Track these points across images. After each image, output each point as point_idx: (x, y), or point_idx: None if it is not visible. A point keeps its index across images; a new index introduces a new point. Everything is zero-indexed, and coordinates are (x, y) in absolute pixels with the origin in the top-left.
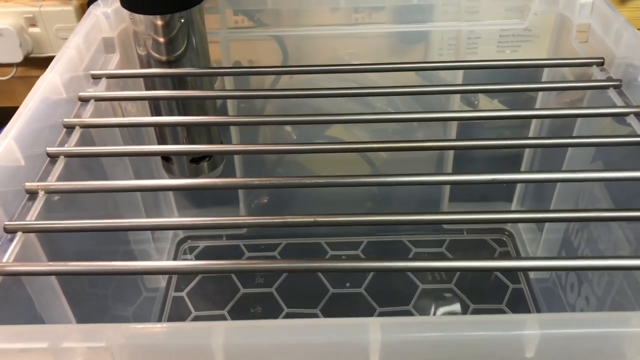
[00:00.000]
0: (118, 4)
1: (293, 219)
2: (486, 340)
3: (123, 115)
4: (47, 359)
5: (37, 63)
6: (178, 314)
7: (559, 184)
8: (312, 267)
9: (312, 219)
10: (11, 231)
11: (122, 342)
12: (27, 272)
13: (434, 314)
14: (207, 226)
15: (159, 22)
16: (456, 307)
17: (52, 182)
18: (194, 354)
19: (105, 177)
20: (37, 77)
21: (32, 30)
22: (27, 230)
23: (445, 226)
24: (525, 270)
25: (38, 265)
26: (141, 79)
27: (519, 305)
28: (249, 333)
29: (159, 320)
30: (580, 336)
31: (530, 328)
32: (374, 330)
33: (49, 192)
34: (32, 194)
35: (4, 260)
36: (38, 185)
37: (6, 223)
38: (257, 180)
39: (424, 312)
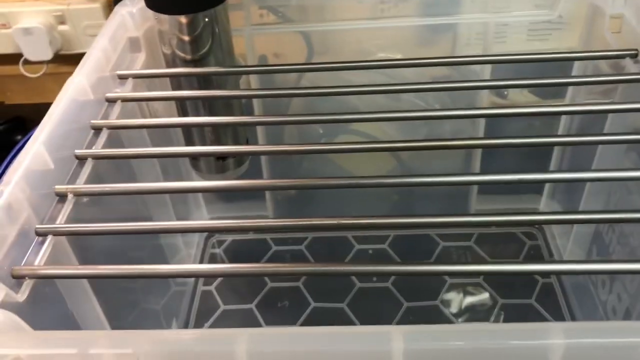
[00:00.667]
0: (142, 2)
1: (317, 222)
2: (509, 349)
3: (150, 114)
4: None
5: (66, 60)
6: (207, 308)
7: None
8: (337, 270)
9: (335, 222)
10: (42, 234)
11: (148, 348)
12: (59, 275)
13: (462, 309)
14: (233, 228)
15: (184, 21)
16: (484, 301)
17: (81, 185)
18: None
19: (133, 175)
20: (67, 73)
21: (61, 28)
22: (57, 234)
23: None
24: (557, 273)
25: (69, 269)
26: (167, 78)
27: (548, 300)
28: (272, 340)
29: (188, 314)
30: (606, 346)
31: (555, 337)
32: (396, 339)
33: (78, 194)
34: (62, 197)
35: (36, 263)
36: (67, 188)
37: (37, 226)
38: (283, 182)
39: (451, 307)
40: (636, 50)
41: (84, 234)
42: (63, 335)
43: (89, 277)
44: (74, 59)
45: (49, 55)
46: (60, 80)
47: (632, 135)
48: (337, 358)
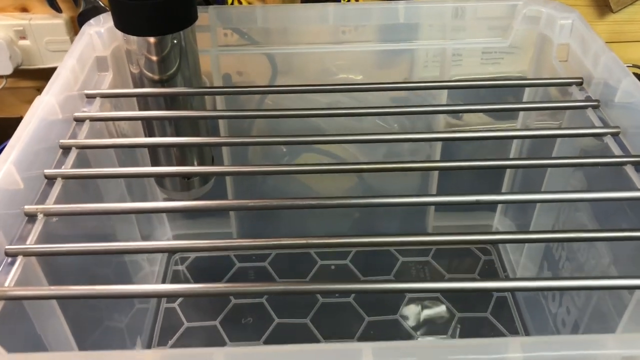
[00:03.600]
0: (111, 22)
1: (286, 242)
2: None
3: (117, 132)
4: None
5: (26, 75)
6: (170, 326)
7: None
8: (298, 289)
9: (304, 241)
10: (12, 255)
11: None
12: (29, 297)
13: (421, 322)
14: (201, 249)
15: (152, 42)
16: (442, 315)
17: (51, 205)
18: None
19: (98, 192)
20: (27, 88)
21: (22, 42)
22: (27, 254)
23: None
24: (511, 290)
25: (39, 290)
26: (134, 99)
27: (503, 313)
28: (249, 359)
29: (152, 331)
30: (558, 359)
31: (512, 351)
32: (366, 355)
33: (48, 214)
34: (31, 217)
35: (7, 284)
36: (37, 208)
37: (7, 247)
38: (247, 202)
39: (410, 320)
40: (581, 78)
41: (54, 254)
42: (40, 357)
43: (59, 298)
44: (35, 74)
45: (9, 70)
46: (19, 94)
47: (578, 159)
48: None
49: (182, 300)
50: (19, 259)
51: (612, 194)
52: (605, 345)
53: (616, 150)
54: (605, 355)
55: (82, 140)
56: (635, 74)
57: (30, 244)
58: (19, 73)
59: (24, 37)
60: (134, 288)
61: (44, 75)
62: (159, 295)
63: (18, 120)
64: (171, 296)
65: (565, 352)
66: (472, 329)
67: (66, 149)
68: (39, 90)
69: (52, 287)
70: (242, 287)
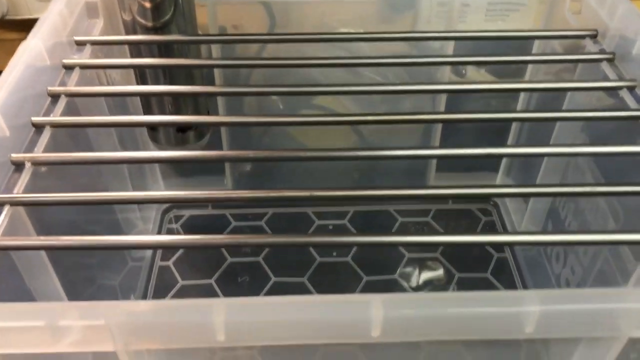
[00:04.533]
0: None
1: (290, 194)
2: (487, 317)
3: (108, 83)
4: (44, 337)
5: (12, 26)
6: (164, 284)
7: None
8: (296, 241)
9: (308, 194)
10: None
11: (121, 319)
12: (17, 247)
13: (419, 282)
14: (198, 200)
15: None
16: (441, 275)
17: (39, 154)
18: (195, 332)
19: (89, 144)
20: (12, 40)
21: None
22: (15, 204)
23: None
24: (511, 244)
25: (27, 240)
26: (126, 46)
27: (503, 274)
28: (251, 310)
29: (146, 290)
30: (578, 312)
31: (530, 304)
32: (376, 307)
33: (36, 163)
34: (19, 166)
35: None
36: (25, 157)
37: None
38: (245, 153)
39: (409, 280)
40: (596, 30)
41: (43, 204)
42: (29, 307)
43: (49, 249)
44: (21, 25)
45: None
46: (5, 47)
47: (591, 112)
48: (318, 327)
49: (177, 259)
50: (6, 208)
51: (629, 147)
52: (626, 298)
53: (633, 104)
54: (627, 309)
55: (71, 87)
56: None
57: (18, 193)
58: (5, 24)
59: None
60: (128, 239)
61: (31, 26)
62: (153, 247)
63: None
64: (164, 247)
65: (586, 305)
66: (472, 289)
67: (55, 97)
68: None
69: (42, 237)
70: (237, 239)
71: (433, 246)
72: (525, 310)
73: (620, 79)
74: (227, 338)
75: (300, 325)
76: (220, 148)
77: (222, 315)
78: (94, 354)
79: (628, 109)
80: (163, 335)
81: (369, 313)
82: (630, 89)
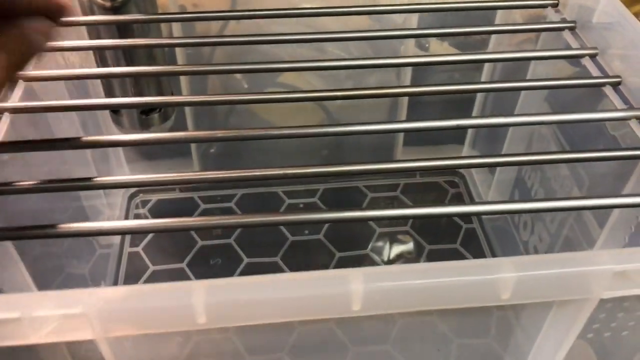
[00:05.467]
0: None
1: (263, 172)
2: (465, 285)
3: (66, 66)
4: (21, 329)
5: None
6: (135, 270)
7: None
8: (267, 220)
9: (281, 172)
10: None
11: (99, 306)
12: None
13: (391, 256)
14: (158, 182)
15: None
16: (412, 248)
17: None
18: (175, 315)
19: (50, 131)
20: None
21: None
22: None
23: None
24: (479, 214)
25: None
26: (84, 27)
27: (472, 244)
28: (231, 290)
29: (116, 277)
30: (552, 276)
31: (505, 271)
32: (356, 281)
33: None
34: None
35: None
36: None
37: None
38: (207, 133)
39: (381, 255)
40: (556, 0)
41: (5, 193)
42: (3, 298)
43: (13, 239)
44: None
45: None
46: None
47: (554, 80)
48: (299, 303)
49: (146, 244)
50: None
51: (591, 114)
52: (597, 261)
53: (595, 72)
54: (598, 271)
55: (28, 72)
56: None
57: None
58: None
59: None
60: (96, 225)
61: None
62: (122, 232)
63: None
64: (133, 233)
65: (558, 270)
66: (442, 260)
67: (11, 82)
68: None
69: (6, 227)
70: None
71: (403, 219)
72: (501, 277)
73: (582, 47)
74: (208, 320)
75: (283, 303)
76: (185, 130)
77: (202, 297)
78: (68, 343)
79: (590, 76)
80: (143, 321)
81: (349, 287)
82: (592, 56)
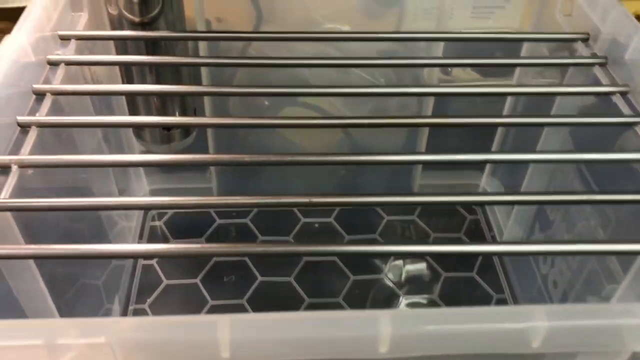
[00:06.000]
0: None
1: (288, 200)
2: (495, 332)
3: (92, 79)
4: (42, 356)
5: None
6: (149, 283)
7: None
8: (284, 251)
9: (307, 200)
10: None
11: (123, 337)
12: (5, 255)
13: (406, 282)
14: (179, 206)
15: None
16: (428, 274)
17: (26, 156)
18: (199, 349)
19: (73, 141)
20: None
21: None
22: (2, 209)
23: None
24: (500, 254)
25: (16, 249)
26: (111, 41)
27: (489, 273)
28: (256, 327)
29: (129, 289)
30: (584, 327)
31: (537, 320)
32: (384, 323)
33: (23, 166)
34: (5, 168)
35: None
36: (11, 159)
37: None
38: (227, 157)
39: (396, 280)
40: (587, 34)
41: (30, 210)
42: (26, 324)
43: (36, 257)
44: (8, 14)
45: None
46: None
47: (581, 117)
48: (325, 344)
49: (160, 257)
50: None
51: (618, 155)
52: (633, 314)
53: (625, 110)
54: (633, 324)
55: (57, 85)
56: None
57: (5, 198)
58: None
59: None
60: (114, 248)
61: (8, 15)
62: (137, 256)
63: None
64: (150, 256)
65: (592, 321)
66: (458, 289)
67: (40, 95)
68: (2, 32)
69: (30, 246)
70: (223, 248)
71: (421, 255)
72: (532, 325)
73: (613, 84)
74: (232, 355)
75: (309, 342)
76: (205, 144)
77: (227, 332)
78: None
79: (621, 114)
80: (165, 353)
81: (377, 329)
82: (623, 94)
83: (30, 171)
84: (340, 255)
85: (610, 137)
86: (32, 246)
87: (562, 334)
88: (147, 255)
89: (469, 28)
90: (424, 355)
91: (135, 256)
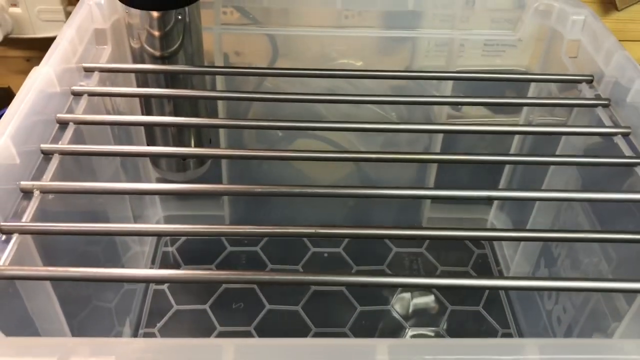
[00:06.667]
0: None
1: (294, 230)
2: None
3: (112, 108)
4: None
5: (16, 44)
6: (159, 308)
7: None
8: (292, 280)
9: (312, 230)
10: (8, 232)
11: (132, 357)
12: (24, 277)
13: (413, 313)
14: (191, 233)
15: (155, 17)
16: (434, 307)
17: (47, 182)
18: None
19: (91, 167)
20: (16, 57)
21: (12, 10)
22: (23, 232)
23: (425, 225)
24: (507, 289)
25: (34, 270)
26: (132, 73)
27: (495, 308)
28: (260, 352)
29: (140, 313)
30: None
31: (529, 353)
32: (381, 352)
33: (45, 192)
34: (27, 193)
35: (1, 263)
36: (33, 185)
37: (2, 224)
38: (241, 187)
39: (402, 311)
40: (592, 76)
41: (50, 233)
42: (40, 342)
43: (53, 279)
44: (25, 44)
45: None
46: (8, 64)
47: (584, 157)
48: None
49: (172, 283)
50: (15, 236)
51: (622, 195)
52: (626, 350)
53: (627, 150)
54: None
55: (80, 115)
56: None
57: (26, 221)
58: (9, 42)
59: (14, 5)
60: (127, 272)
61: (35, 45)
62: (149, 281)
63: (6, 90)
64: (161, 282)
65: (586, 356)
66: (464, 322)
67: (63, 124)
68: (29, 61)
69: (47, 268)
70: (231, 275)
71: (424, 288)
72: (524, 358)
73: (616, 125)
74: None
75: None
76: (219, 172)
77: (232, 356)
78: None
79: (622, 155)
80: None
81: (375, 357)
82: (625, 135)
83: (51, 196)
84: (348, 285)
85: (615, 177)
86: (49, 268)
87: None
88: (158, 281)
89: (479, 65)
90: None
91: (146, 281)
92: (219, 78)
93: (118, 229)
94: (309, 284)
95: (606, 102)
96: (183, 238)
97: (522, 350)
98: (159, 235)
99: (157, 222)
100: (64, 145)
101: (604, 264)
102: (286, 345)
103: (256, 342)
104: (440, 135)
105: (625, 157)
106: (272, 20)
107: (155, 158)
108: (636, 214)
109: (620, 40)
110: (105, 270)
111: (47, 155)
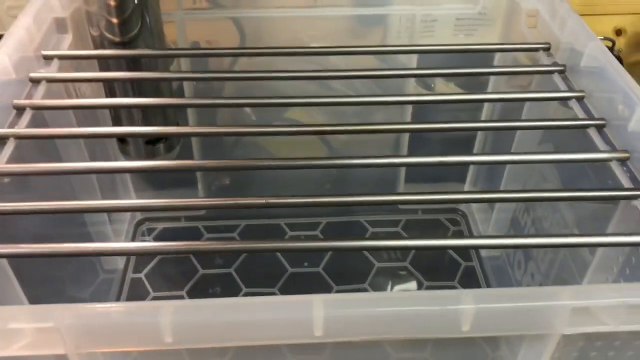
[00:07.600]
0: None
1: (245, 201)
2: (425, 315)
3: (77, 97)
4: None
5: None
6: (136, 296)
7: (508, 165)
8: (269, 247)
9: (263, 201)
10: None
11: (71, 322)
12: None
13: (389, 291)
14: (162, 207)
15: (112, 3)
16: (411, 284)
17: (2, 165)
18: (143, 333)
19: (59, 159)
20: None
21: None
22: None
23: (401, 207)
24: (475, 247)
25: None
26: (95, 60)
27: (471, 282)
28: (196, 312)
29: (117, 301)
30: (511, 310)
31: (465, 303)
32: (317, 307)
33: (0, 174)
34: None
35: None
36: None
37: None
38: (213, 162)
39: (379, 290)
40: (549, 44)
41: (6, 214)
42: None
43: (10, 257)
44: None
45: None
46: None
47: (544, 121)
48: (261, 326)
49: (149, 270)
50: None
51: (576, 155)
52: (557, 296)
53: (580, 114)
54: (559, 306)
55: (37, 100)
56: (607, 47)
57: None
58: None
59: None
60: (92, 246)
61: None
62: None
63: None
64: (129, 254)
65: (518, 303)
66: None
67: (20, 110)
68: None
69: (3, 245)
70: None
71: (402, 249)
72: (461, 308)
73: (570, 89)
74: (174, 339)
75: (245, 326)
76: (191, 157)
77: (169, 317)
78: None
79: (577, 118)
80: (112, 338)
81: (311, 312)
82: (579, 99)
83: (6, 180)
84: (324, 250)
85: (571, 142)
86: (7, 245)
87: (489, 316)
88: (127, 253)
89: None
90: (359, 340)
91: (113, 254)
92: (184, 64)
93: (84, 206)
94: (285, 250)
95: (562, 68)
96: (160, 227)
97: (457, 300)
98: (128, 210)
99: (133, 216)
100: (20, 129)
101: (566, 228)
102: (224, 304)
103: (193, 303)
104: (411, 111)
105: (579, 119)
106: (237, 3)
107: (124, 146)
108: (590, 175)
109: (589, 15)
110: (64, 245)
111: (2, 139)
